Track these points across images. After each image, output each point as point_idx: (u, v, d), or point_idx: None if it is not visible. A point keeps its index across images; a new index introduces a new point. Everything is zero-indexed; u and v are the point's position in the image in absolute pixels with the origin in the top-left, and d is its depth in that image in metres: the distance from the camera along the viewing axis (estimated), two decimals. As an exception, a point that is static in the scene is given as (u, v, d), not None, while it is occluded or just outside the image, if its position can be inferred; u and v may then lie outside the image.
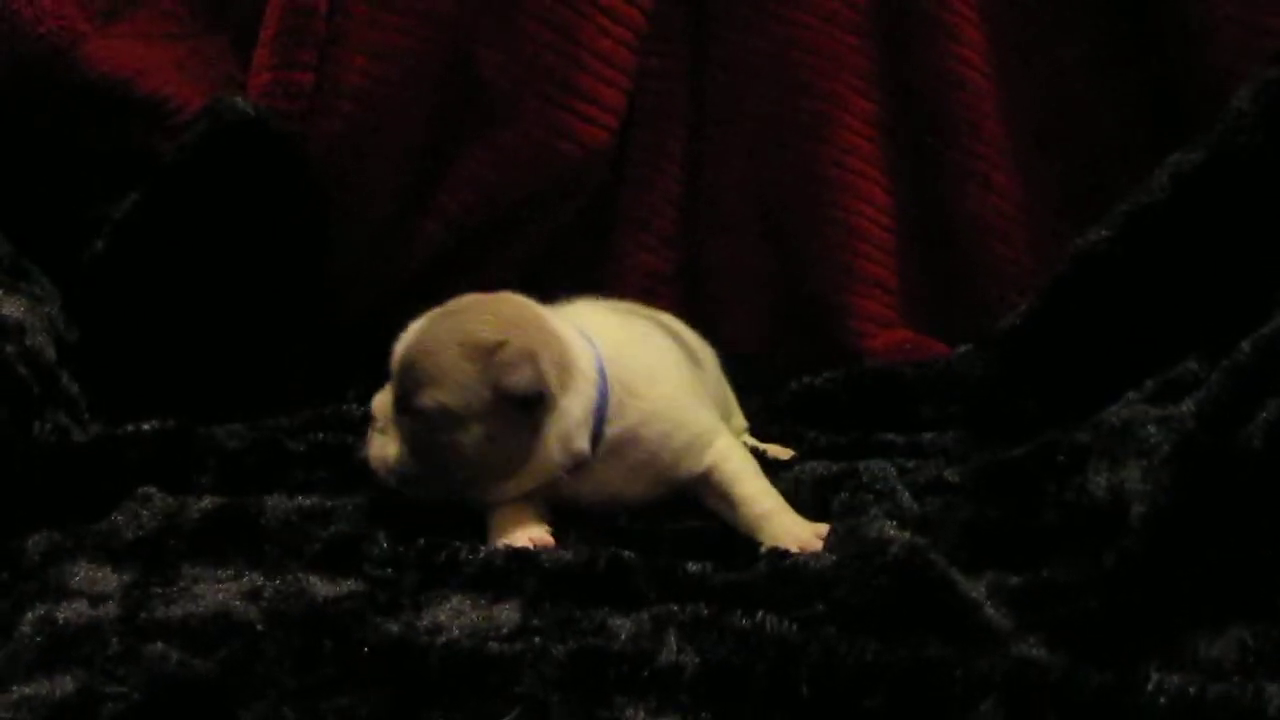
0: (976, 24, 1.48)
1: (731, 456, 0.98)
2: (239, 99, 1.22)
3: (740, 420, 1.24)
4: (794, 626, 0.66)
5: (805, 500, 0.98)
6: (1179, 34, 1.40)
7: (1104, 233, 1.08)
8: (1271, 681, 0.51)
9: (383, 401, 0.95)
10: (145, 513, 0.89)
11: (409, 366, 0.92)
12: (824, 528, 0.88)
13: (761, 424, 1.27)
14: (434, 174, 1.41)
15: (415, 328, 0.95)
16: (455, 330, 0.92)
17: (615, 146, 1.45)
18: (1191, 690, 0.50)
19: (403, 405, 0.92)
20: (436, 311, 0.96)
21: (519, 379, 0.88)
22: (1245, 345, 0.82)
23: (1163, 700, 0.51)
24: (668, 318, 1.18)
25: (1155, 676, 0.52)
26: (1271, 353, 0.79)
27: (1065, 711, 0.52)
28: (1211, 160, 1.02)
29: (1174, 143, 1.08)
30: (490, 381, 0.89)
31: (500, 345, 0.89)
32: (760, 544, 0.88)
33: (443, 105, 1.39)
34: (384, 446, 0.93)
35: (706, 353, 1.20)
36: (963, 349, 1.27)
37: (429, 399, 0.89)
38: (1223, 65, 1.32)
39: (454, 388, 0.89)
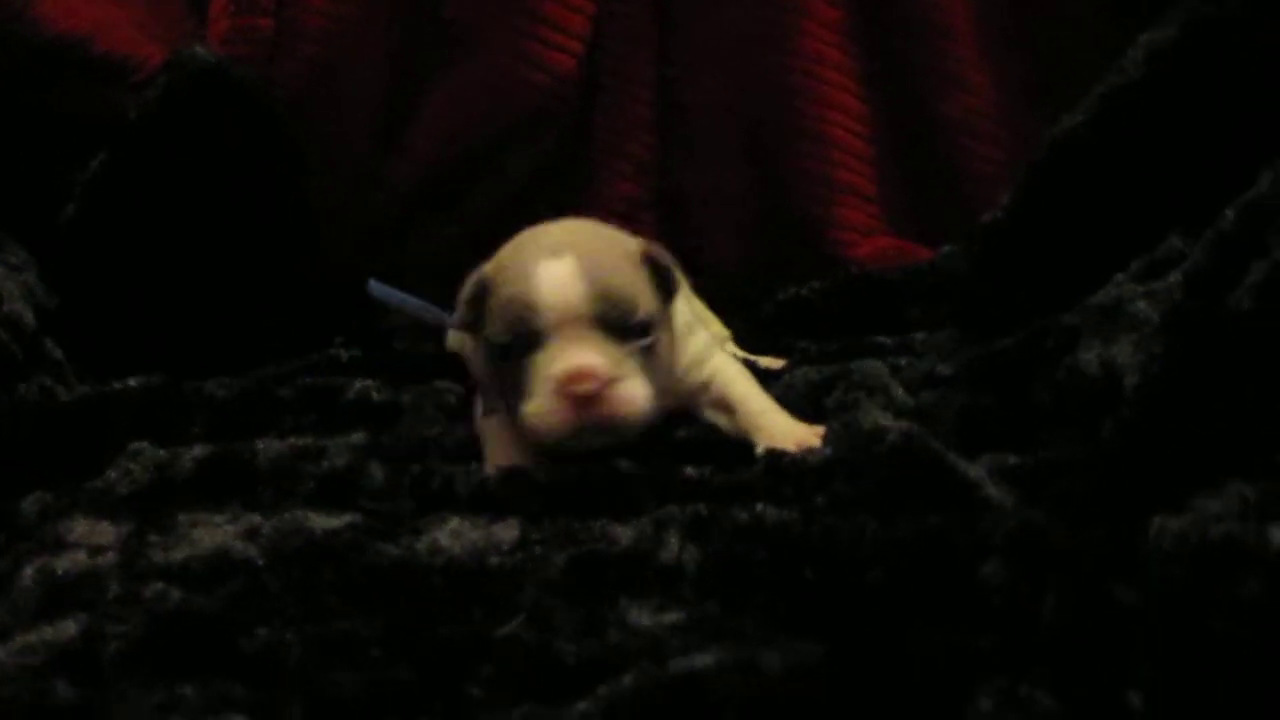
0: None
1: (728, 366, 0.97)
2: (200, 48, 1.20)
3: (719, 328, 1.22)
4: (793, 514, 0.66)
5: (799, 404, 0.97)
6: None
7: (1080, 118, 1.07)
8: (1275, 524, 0.51)
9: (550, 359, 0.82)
10: (137, 467, 0.88)
11: (607, 293, 0.83)
12: (821, 429, 0.87)
13: (750, 337, 1.26)
14: (403, 113, 1.40)
15: (553, 263, 0.84)
16: (604, 245, 0.89)
17: (585, 74, 1.44)
18: (1193, 534, 0.50)
19: (625, 332, 0.83)
20: (543, 243, 0.88)
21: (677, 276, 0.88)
22: (1229, 212, 0.81)
23: (1165, 545, 0.50)
24: None
25: (1156, 521, 0.52)
26: (1256, 217, 0.79)
27: (1068, 566, 0.51)
28: (1184, 34, 1.01)
29: (1144, 26, 1.07)
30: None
31: (647, 249, 0.88)
32: (757, 446, 0.87)
33: (407, 43, 1.37)
34: (632, 389, 0.82)
35: None
36: (947, 248, 1.26)
37: (645, 314, 0.83)
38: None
39: (647, 298, 0.85)
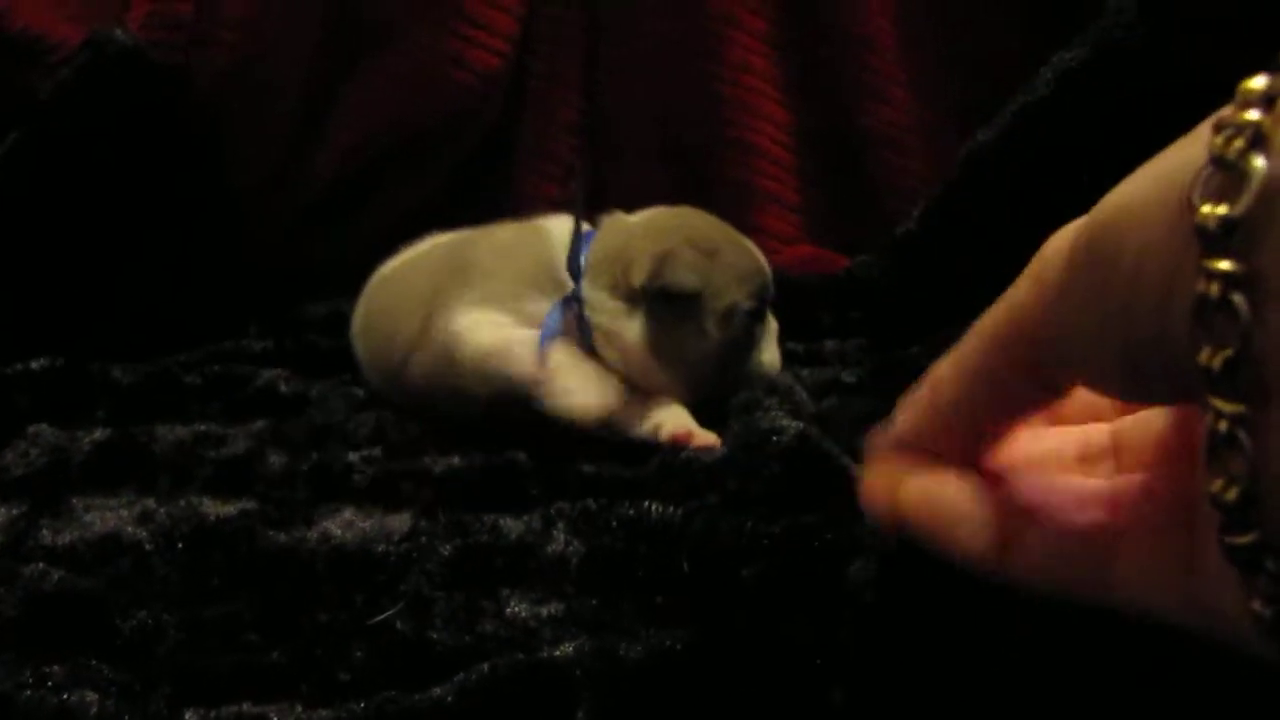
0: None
1: None
2: (118, 31, 1.19)
3: None
4: (678, 511, 0.67)
5: (707, 409, 0.98)
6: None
7: (991, 133, 1.10)
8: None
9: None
10: (34, 449, 0.87)
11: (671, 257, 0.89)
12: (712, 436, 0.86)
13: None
14: (325, 105, 1.39)
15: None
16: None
17: (510, 73, 1.44)
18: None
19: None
20: (718, 224, 0.99)
21: None
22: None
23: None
24: None
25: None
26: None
27: (936, 565, 0.52)
28: (1093, 56, 1.03)
29: (1059, 46, 1.09)
30: None
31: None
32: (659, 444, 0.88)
33: (330, 34, 1.37)
34: None
35: None
36: (861, 257, 1.27)
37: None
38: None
39: None
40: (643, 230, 0.94)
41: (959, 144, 1.16)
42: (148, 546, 0.70)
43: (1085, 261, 0.32)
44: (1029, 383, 0.38)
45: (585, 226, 0.96)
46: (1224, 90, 0.88)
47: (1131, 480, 0.39)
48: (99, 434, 0.89)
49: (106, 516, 0.76)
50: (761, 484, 0.71)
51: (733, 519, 0.63)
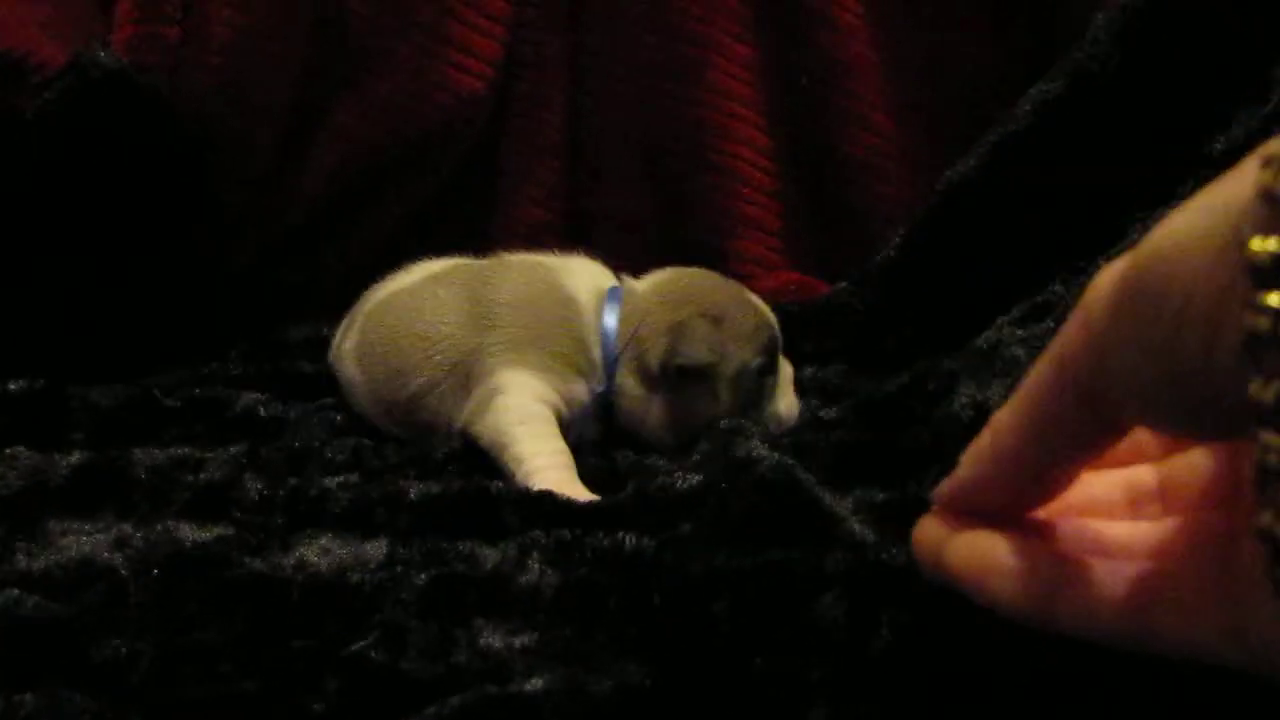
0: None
1: None
2: (103, 53, 1.19)
3: None
4: (651, 542, 0.67)
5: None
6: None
7: (970, 163, 1.11)
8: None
9: None
10: (11, 472, 0.87)
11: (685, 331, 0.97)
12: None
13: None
14: (310, 127, 1.39)
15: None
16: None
17: (494, 97, 1.44)
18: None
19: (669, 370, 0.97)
20: (724, 283, 1.05)
21: None
22: (1100, 263, 0.84)
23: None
24: None
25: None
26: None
27: (905, 599, 0.53)
28: (1070, 87, 1.04)
29: (1038, 74, 1.10)
30: None
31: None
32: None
33: (314, 57, 1.37)
34: None
35: None
36: (841, 284, 1.28)
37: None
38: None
39: None
40: (655, 304, 1.00)
41: (941, 171, 1.17)
42: (123, 572, 0.70)
43: (1132, 297, 0.33)
44: (1088, 422, 0.38)
45: (610, 280, 1.05)
46: (1196, 120, 0.90)
47: (1177, 523, 0.40)
48: (77, 457, 0.89)
49: (83, 541, 0.76)
50: (736, 516, 0.71)
51: (704, 552, 0.64)
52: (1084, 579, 0.40)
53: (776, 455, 0.78)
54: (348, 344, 1.10)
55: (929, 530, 0.46)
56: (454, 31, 1.39)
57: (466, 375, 0.99)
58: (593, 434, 1.01)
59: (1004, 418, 0.42)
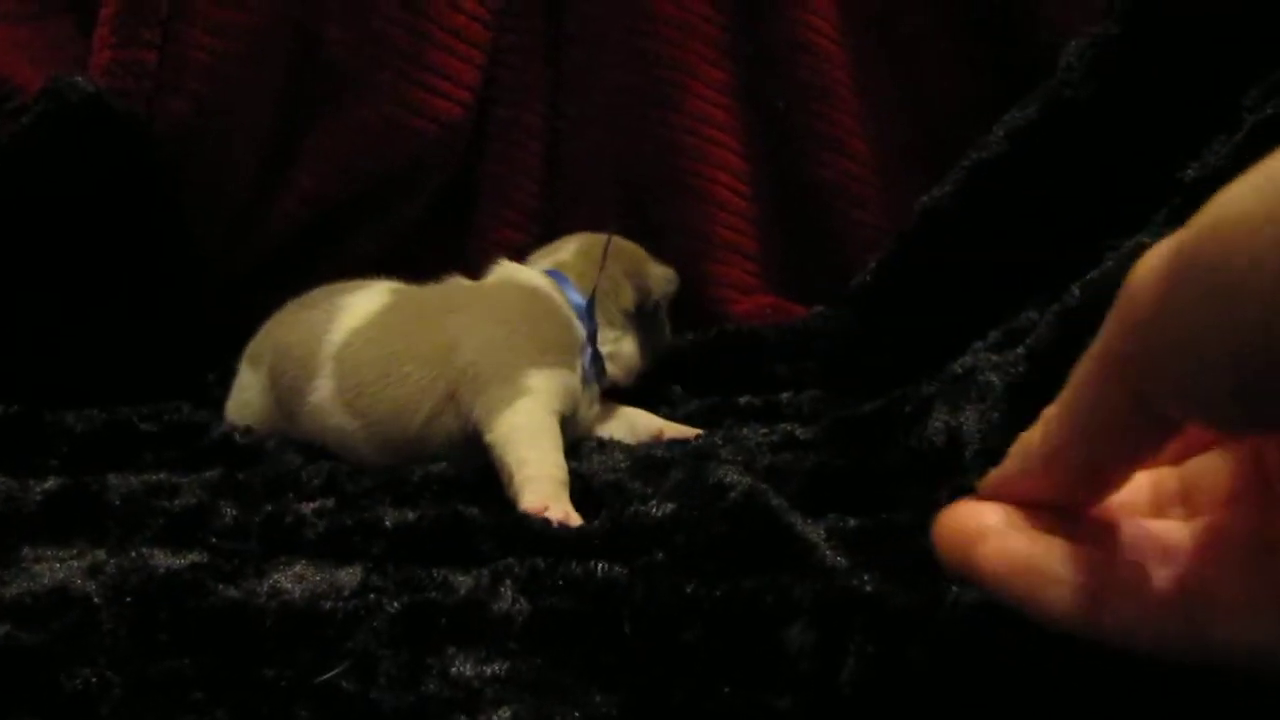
0: (825, -8, 1.50)
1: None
2: (80, 78, 1.19)
3: None
4: (623, 570, 0.67)
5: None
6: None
7: (946, 189, 1.11)
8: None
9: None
10: (-14, 498, 0.87)
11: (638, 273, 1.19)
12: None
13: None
14: (288, 152, 1.40)
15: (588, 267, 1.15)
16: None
17: (472, 122, 1.45)
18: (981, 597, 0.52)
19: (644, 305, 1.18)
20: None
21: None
22: (1075, 289, 0.84)
23: (959, 611, 0.52)
24: None
25: (954, 590, 0.53)
26: (1098, 296, 0.82)
27: (873, 628, 0.53)
28: (1043, 115, 1.05)
29: (1013, 99, 1.11)
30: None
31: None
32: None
33: (293, 83, 1.37)
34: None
35: None
36: (818, 309, 1.29)
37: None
38: (1060, 27, 1.35)
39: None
40: (589, 267, 1.15)
41: (917, 195, 1.18)
42: (96, 600, 0.70)
43: (1187, 275, 0.31)
44: (1135, 418, 0.36)
45: (535, 272, 1.17)
46: (1169, 147, 0.90)
47: (1209, 522, 0.39)
48: (51, 483, 0.89)
49: (56, 568, 0.76)
50: (707, 544, 0.71)
51: (674, 581, 0.64)
52: (1137, 582, 0.38)
53: (749, 481, 0.78)
54: (318, 395, 1.05)
55: (961, 520, 0.43)
56: (433, 58, 1.40)
57: (474, 392, 0.99)
58: (588, 415, 1.10)
59: (1054, 412, 0.40)
